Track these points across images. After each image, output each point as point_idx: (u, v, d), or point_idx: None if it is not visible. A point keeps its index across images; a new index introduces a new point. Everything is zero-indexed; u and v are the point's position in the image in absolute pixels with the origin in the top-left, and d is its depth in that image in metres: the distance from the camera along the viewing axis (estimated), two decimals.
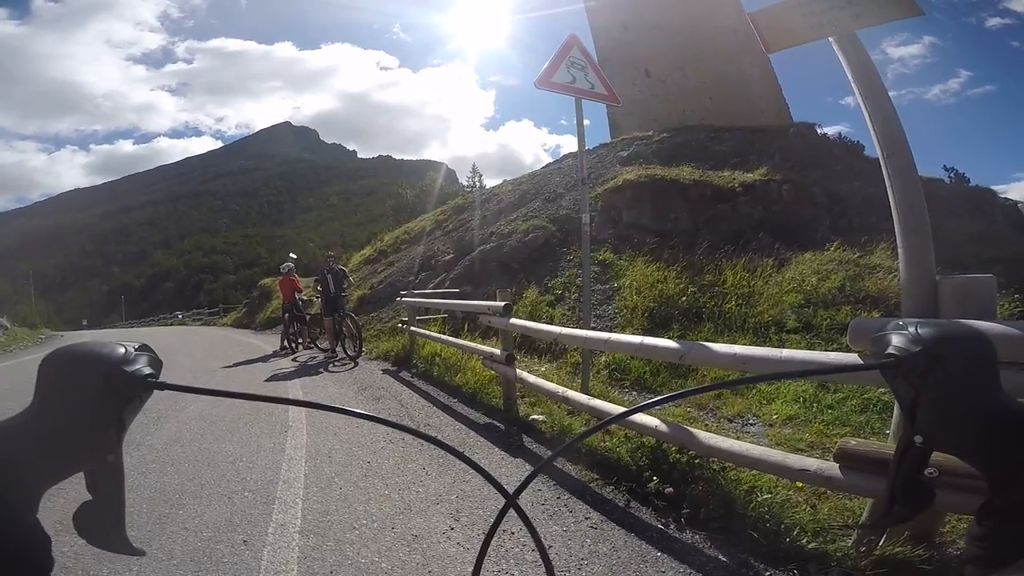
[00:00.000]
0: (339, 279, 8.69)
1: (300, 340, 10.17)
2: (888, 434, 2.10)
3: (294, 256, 11.30)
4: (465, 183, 38.16)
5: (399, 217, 25.28)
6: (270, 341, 12.37)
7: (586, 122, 4.78)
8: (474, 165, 36.09)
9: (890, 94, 2.16)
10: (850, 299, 6.22)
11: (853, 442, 1.99)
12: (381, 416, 0.56)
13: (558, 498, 2.86)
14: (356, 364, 7.79)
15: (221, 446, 3.94)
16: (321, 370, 7.69)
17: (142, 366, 0.44)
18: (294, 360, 8.98)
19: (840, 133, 16.60)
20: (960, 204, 12.08)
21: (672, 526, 2.49)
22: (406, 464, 3.44)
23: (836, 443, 2.04)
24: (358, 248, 22.13)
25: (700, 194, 10.19)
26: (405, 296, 8.44)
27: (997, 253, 7.57)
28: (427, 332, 7.36)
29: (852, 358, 1.91)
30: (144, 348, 0.46)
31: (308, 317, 10.25)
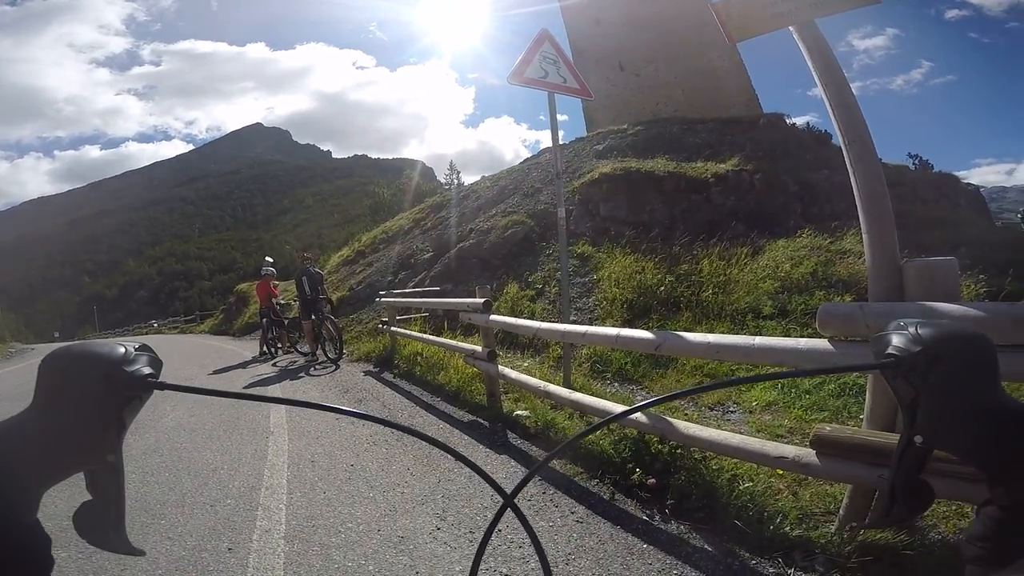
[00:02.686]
0: (315, 281, 8.57)
1: (279, 345, 10.01)
2: (863, 419, 2.14)
3: (271, 260, 11.12)
4: (443, 180, 37.97)
5: (377, 217, 25.05)
6: (249, 347, 12.14)
7: (562, 117, 4.79)
8: (451, 162, 35.91)
9: (856, 85, 2.22)
10: (822, 284, 6.38)
11: (829, 428, 2.01)
12: (378, 416, 0.55)
13: (544, 493, 2.88)
14: (337, 367, 7.69)
15: (201, 455, 3.87)
16: (302, 374, 7.58)
17: (142, 366, 0.44)
18: (274, 365, 8.83)
19: (808, 123, 17.01)
20: (925, 190, 12.48)
21: (657, 517, 2.51)
22: (390, 465, 3.42)
23: (814, 429, 2.08)
24: (336, 249, 21.83)
25: (675, 185, 10.31)
26: (384, 296, 8.36)
27: (961, 236, 7.84)
28: (408, 332, 7.30)
29: (823, 344, 1.95)
30: (144, 348, 0.46)
31: (287, 321, 10.09)
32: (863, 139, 2.10)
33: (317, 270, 9.11)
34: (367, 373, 7.01)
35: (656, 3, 17.20)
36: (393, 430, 4.10)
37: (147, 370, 0.44)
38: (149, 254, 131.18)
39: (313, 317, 8.38)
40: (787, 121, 15.83)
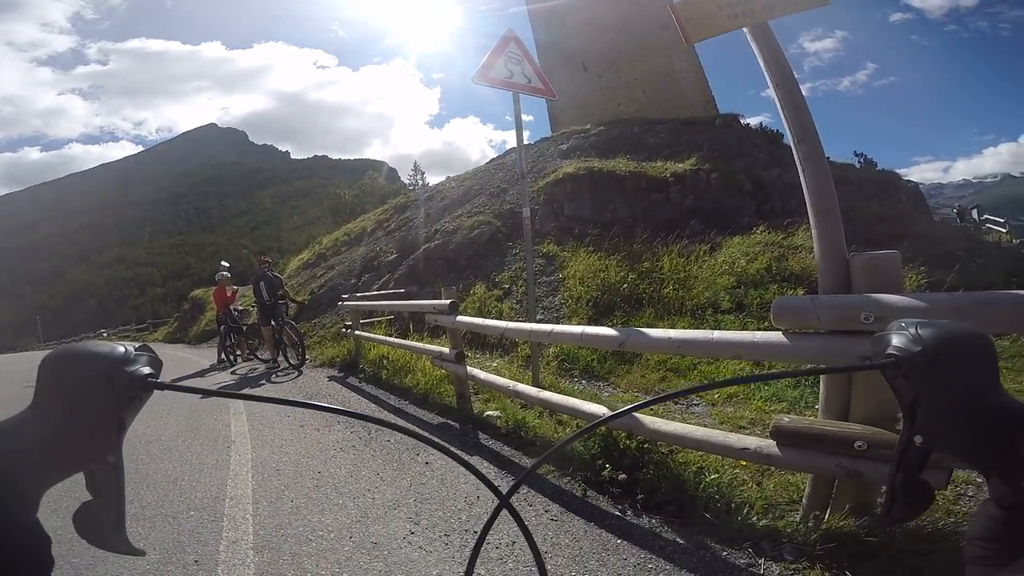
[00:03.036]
0: (273, 286, 8.32)
1: (238, 352, 9.66)
2: (818, 409, 2.22)
3: (227, 264, 10.70)
4: (408, 181, 37.50)
5: (338, 218, 24.54)
6: (206, 355, 11.72)
7: (528, 117, 4.87)
8: (416, 163, 35.50)
9: (806, 86, 2.31)
10: (776, 278, 6.63)
11: (787, 419, 2.07)
12: (377, 417, 0.53)
13: (517, 492, 2.88)
14: (300, 373, 7.49)
15: (160, 465, 3.72)
16: (263, 381, 7.33)
17: (142, 366, 0.44)
18: (233, 373, 8.51)
19: (761, 123, 17.60)
20: (869, 187, 13.14)
21: (629, 512, 2.54)
22: (359, 471, 3.37)
23: (773, 420, 2.13)
24: (296, 252, 21.25)
25: (636, 185, 10.51)
26: (348, 299, 8.19)
27: (903, 231, 8.30)
28: (373, 335, 7.18)
29: (778, 337, 2.02)
30: (144, 348, 0.47)
31: (245, 327, 9.74)
32: (811, 138, 2.18)
33: (275, 274, 8.89)
34: (331, 378, 6.85)
35: (620, 5, 17.51)
36: (361, 437, 4.05)
37: (147, 370, 0.44)
38: (95, 261, 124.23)
39: (272, 323, 8.14)
40: (741, 121, 16.38)
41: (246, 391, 6.69)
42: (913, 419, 0.44)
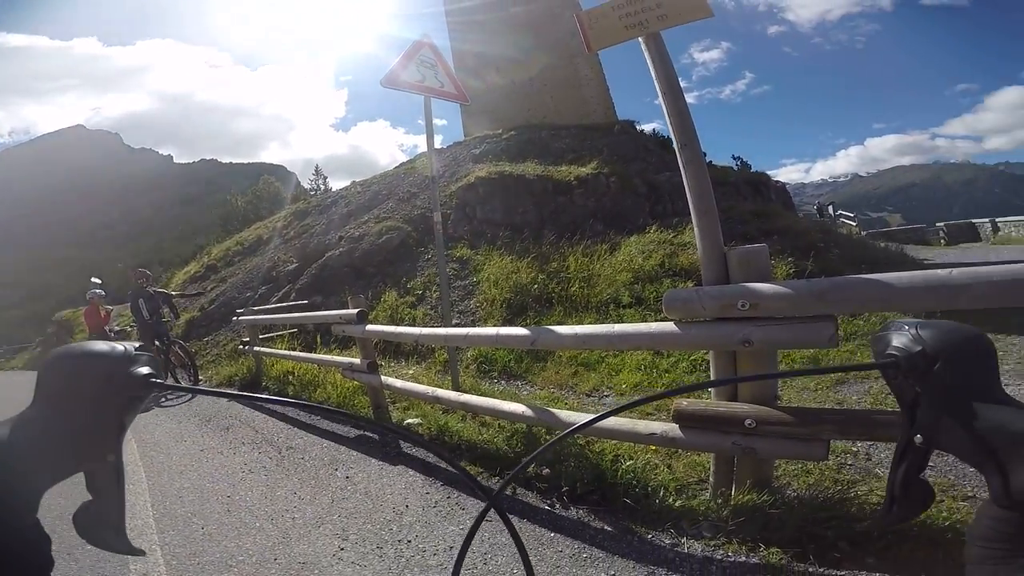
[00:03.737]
0: (155, 303, 7.52)
1: None
2: (711, 391, 2.42)
3: (99, 281, 9.45)
4: (308, 186, 35.52)
5: (229, 227, 22.72)
6: None
7: (442, 122, 4.86)
8: (317, 166, 33.58)
9: (694, 94, 2.57)
10: (669, 273, 7.16)
11: (685, 402, 2.25)
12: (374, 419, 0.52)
13: (449, 497, 2.86)
14: (193, 395, 6.80)
15: (43, 498, 3.22)
16: (151, 405, 6.55)
17: (141, 365, 0.44)
18: None
19: (655, 129, 18.86)
20: (745, 187, 14.62)
21: (557, 505, 2.62)
22: (273, 492, 3.19)
23: (674, 404, 2.29)
24: (181, 265, 19.30)
25: (543, 188, 10.84)
26: (243, 314, 7.58)
27: (773, 226, 9.31)
28: (275, 350, 6.72)
29: (670, 327, 2.19)
30: (144, 348, 0.46)
31: None
32: (693, 143, 2.39)
33: (159, 289, 8.07)
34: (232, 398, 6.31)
35: (533, 12, 17.95)
36: (272, 457, 3.80)
37: (147, 370, 0.44)
38: None
39: (157, 343, 7.35)
40: (637, 128, 17.50)
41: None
42: (913, 419, 0.44)
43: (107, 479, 0.43)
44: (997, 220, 17.65)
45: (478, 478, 3.00)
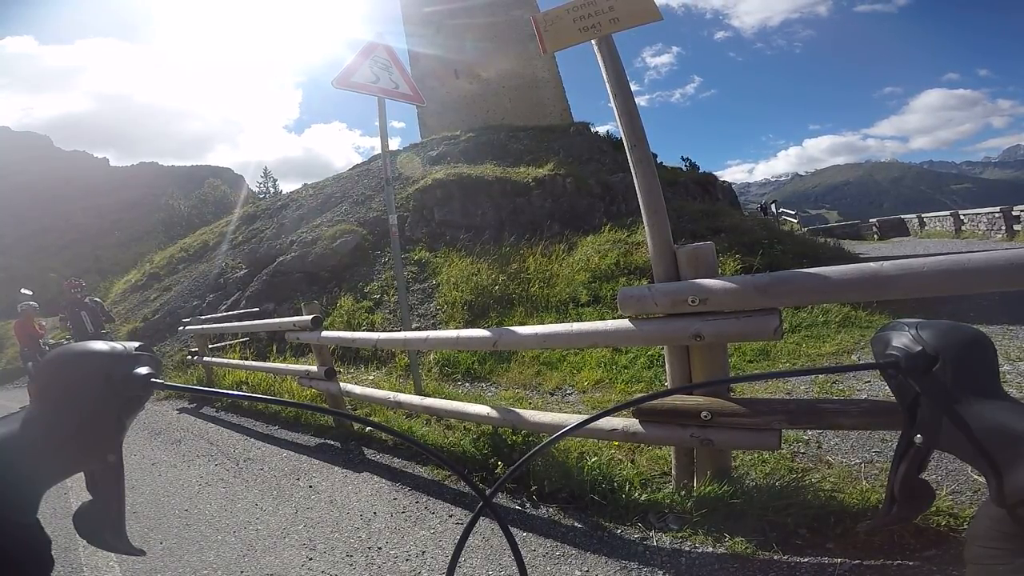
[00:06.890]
0: (97, 315, 7.08)
1: None
2: (667, 386, 2.49)
3: (29, 292, 8.77)
4: (257, 189, 34.26)
5: (172, 233, 21.62)
6: (15, 397, 9.74)
7: (400, 124, 4.87)
8: (266, 169, 32.40)
9: (645, 97, 2.63)
10: (624, 271, 7.34)
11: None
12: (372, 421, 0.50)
13: (417, 502, 2.82)
14: (141, 408, 6.44)
15: None
16: None
17: (141, 365, 0.44)
18: None
19: (608, 131, 19.27)
20: (694, 187, 15.16)
21: (528, 505, 2.62)
22: (233, 504, 3.08)
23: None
24: (121, 273, 18.18)
25: (502, 189, 10.88)
26: (190, 323, 7.23)
27: (720, 224, 9.66)
28: (226, 360, 6.44)
29: (625, 324, 2.24)
30: (144, 348, 0.46)
31: None
32: (642, 143, 2.45)
33: (96, 299, 7.61)
34: (182, 411, 6.01)
35: (492, 15, 17.95)
36: (229, 469, 3.65)
37: (146, 370, 0.44)
38: None
39: None
40: (592, 129, 17.83)
41: None
42: (913, 418, 0.44)
43: (107, 479, 0.43)
44: (923, 216, 19.08)
45: (444, 482, 2.99)
